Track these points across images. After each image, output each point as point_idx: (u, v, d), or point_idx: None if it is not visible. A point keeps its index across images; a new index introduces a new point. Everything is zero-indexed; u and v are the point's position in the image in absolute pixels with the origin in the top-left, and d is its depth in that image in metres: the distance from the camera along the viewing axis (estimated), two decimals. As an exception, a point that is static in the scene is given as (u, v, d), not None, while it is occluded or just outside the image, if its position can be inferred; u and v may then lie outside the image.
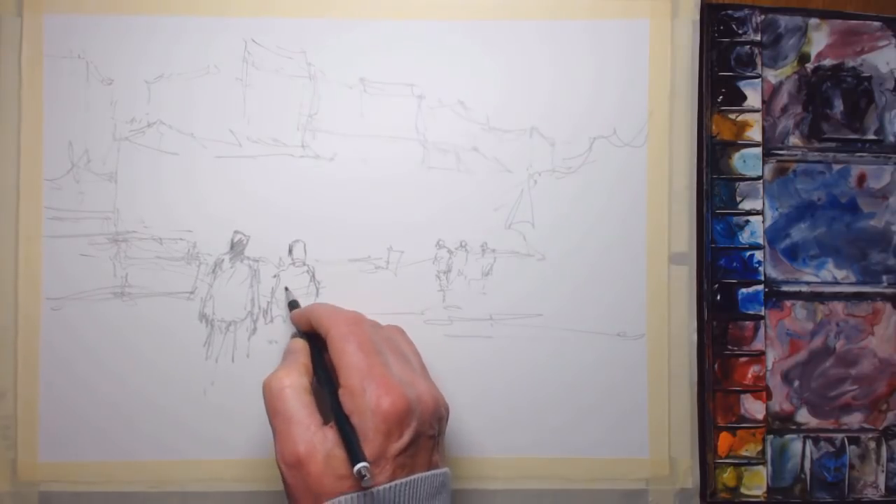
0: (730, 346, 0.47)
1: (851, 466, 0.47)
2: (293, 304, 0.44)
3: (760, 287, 0.47)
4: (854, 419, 0.48)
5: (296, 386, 0.38)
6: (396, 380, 0.37)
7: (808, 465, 0.47)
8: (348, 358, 0.37)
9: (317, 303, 0.44)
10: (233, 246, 0.46)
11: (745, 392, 0.47)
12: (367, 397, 0.36)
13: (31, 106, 0.45)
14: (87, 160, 0.45)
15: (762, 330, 0.47)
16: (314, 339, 0.41)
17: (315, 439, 0.36)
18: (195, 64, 0.46)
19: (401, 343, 0.42)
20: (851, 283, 0.48)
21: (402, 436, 0.36)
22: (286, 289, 0.46)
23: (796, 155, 0.48)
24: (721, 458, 0.47)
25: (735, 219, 0.47)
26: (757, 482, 0.47)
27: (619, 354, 0.46)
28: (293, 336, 0.44)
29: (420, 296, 0.46)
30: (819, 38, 0.48)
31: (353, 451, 0.35)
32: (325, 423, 0.37)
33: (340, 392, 0.37)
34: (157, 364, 0.45)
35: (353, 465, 0.34)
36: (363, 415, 0.36)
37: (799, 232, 0.48)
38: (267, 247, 0.46)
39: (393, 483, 0.35)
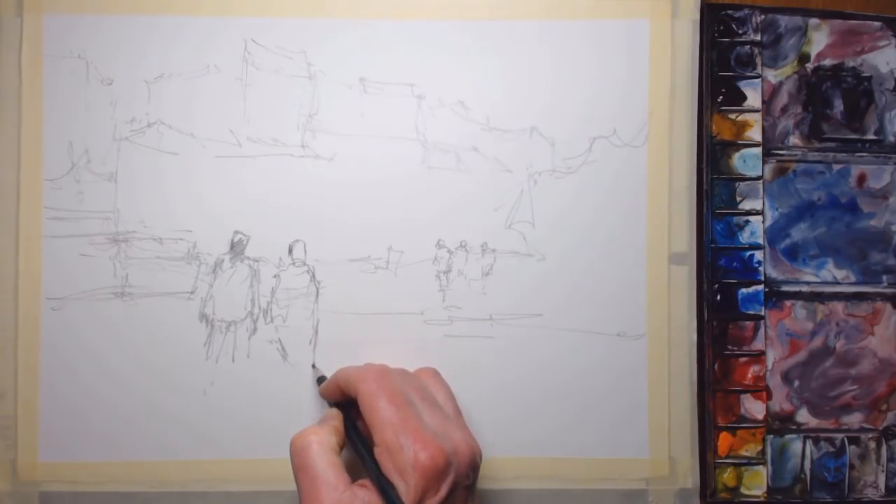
0: (730, 346, 0.47)
1: (851, 466, 0.47)
2: (321, 380, 0.44)
3: (760, 287, 0.47)
4: (854, 419, 0.48)
5: (323, 443, 0.37)
6: (431, 432, 0.36)
7: (808, 465, 0.47)
8: (381, 414, 0.36)
9: (342, 367, 0.42)
10: (233, 246, 0.46)
11: (745, 392, 0.47)
12: (405, 453, 0.35)
13: (31, 106, 0.45)
14: (87, 160, 0.45)
15: (762, 330, 0.47)
16: (347, 409, 0.41)
17: (343, 499, 0.35)
18: (195, 64, 0.46)
19: (432, 389, 0.41)
20: (851, 283, 0.48)
21: (439, 490, 0.35)
22: (313, 366, 0.45)
23: (796, 155, 0.48)
24: (721, 458, 0.47)
25: (735, 219, 0.47)
26: (757, 482, 0.47)
27: (619, 354, 0.46)
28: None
29: (420, 296, 0.46)
30: (819, 38, 0.48)
31: None
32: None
33: (376, 451, 0.36)
34: (157, 364, 0.45)
35: None
36: (403, 472, 0.35)
37: (799, 232, 0.48)
38: (267, 247, 0.46)
39: None
